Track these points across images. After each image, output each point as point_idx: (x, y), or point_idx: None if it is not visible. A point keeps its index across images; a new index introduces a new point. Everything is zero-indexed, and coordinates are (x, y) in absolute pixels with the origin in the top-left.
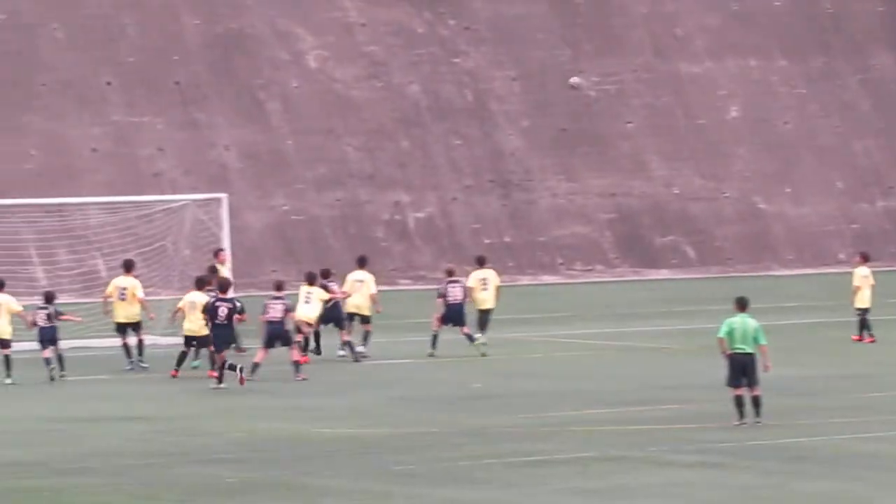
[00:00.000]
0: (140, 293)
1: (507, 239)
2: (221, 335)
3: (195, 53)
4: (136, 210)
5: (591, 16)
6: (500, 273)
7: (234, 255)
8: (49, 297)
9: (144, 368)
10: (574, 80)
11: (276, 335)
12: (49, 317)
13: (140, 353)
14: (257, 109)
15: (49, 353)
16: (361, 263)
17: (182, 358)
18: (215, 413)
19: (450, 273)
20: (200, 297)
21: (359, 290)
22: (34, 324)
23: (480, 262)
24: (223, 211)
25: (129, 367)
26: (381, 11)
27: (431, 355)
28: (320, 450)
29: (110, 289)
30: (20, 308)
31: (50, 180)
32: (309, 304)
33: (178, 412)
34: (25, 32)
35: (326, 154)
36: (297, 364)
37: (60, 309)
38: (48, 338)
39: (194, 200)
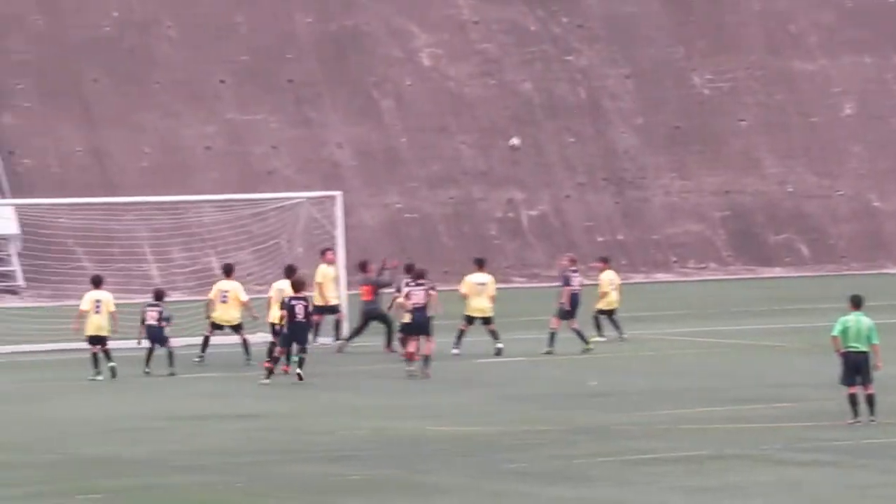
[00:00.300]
0: (243, 296)
1: (620, 237)
2: (297, 333)
3: (308, 51)
4: (250, 208)
5: (704, 13)
6: (595, 273)
7: (347, 252)
8: (159, 295)
9: (249, 365)
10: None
11: (419, 322)
12: (160, 315)
13: (247, 351)
14: (371, 107)
15: (160, 350)
16: (480, 265)
17: (273, 348)
18: (327, 411)
19: (572, 262)
20: (289, 288)
21: (480, 293)
22: (143, 322)
23: (605, 261)
24: (337, 209)
25: (196, 360)
26: (494, 9)
27: (549, 353)
28: (434, 448)
29: (213, 293)
30: (114, 308)
31: (164, 178)
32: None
33: (290, 409)
34: (139, 31)
35: (440, 152)
36: (427, 358)
37: (168, 315)
38: (157, 337)
39: (308, 198)
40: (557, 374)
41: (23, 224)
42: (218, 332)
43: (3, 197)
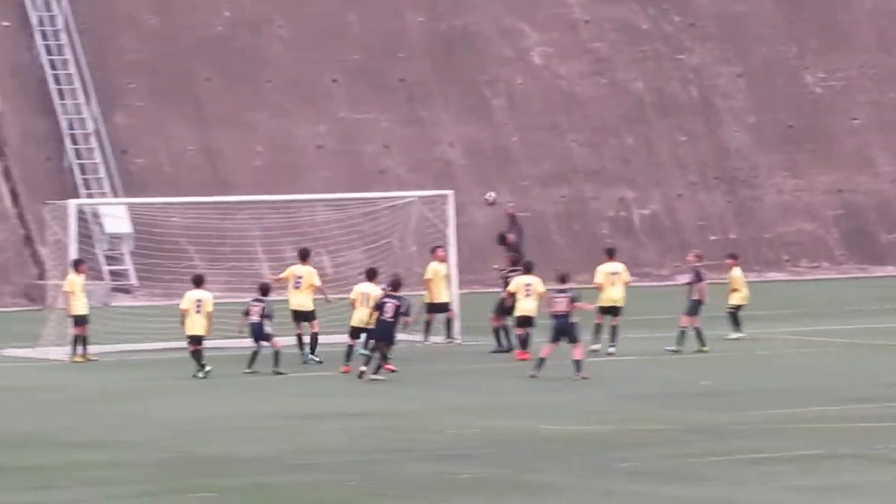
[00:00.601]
0: (316, 280)
1: (732, 236)
2: (383, 331)
3: (420, 50)
4: (362, 207)
5: (816, 11)
6: (723, 270)
7: (458, 251)
8: (264, 290)
9: (318, 364)
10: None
11: (562, 329)
12: (263, 311)
13: (312, 349)
14: (482, 106)
15: (266, 346)
16: (611, 254)
17: (350, 351)
18: (438, 410)
19: (699, 258)
20: (374, 289)
21: (614, 283)
22: (246, 314)
23: (734, 258)
24: (449, 208)
25: (303, 361)
26: (605, 8)
27: (677, 351)
28: (545, 447)
29: (286, 274)
30: (212, 308)
31: (276, 177)
32: (529, 297)
33: (401, 408)
34: (251, 30)
35: (551, 150)
36: (578, 362)
37: (269, 312)
38: (259, 334)
39: (420, 197)
40: (670, 373)
41: (135, 223)
42: (301, 322)
43: (116, 196)
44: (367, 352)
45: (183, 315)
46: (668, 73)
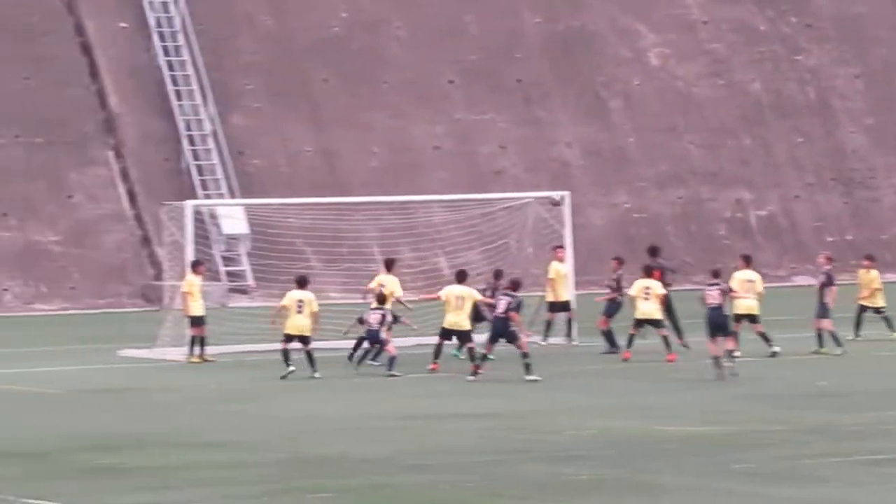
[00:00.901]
0: (398, 291)
1: (848, 237)
2: (497, 328)
3: (536, 51)
4: (479, 208)
5: None
6: (840, 272)
7: (575, 252)
8: (381, 299)
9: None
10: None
11: (717, 322)
12: (383, 317)
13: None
14: (599, 107)
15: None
16: (748, 261)
17: (438, 351)
18: (555, 410)
19: (829, 260)
20: (466, 291)
21: (748, 291)
22: (361, 322)
23: (871, 259)
24: (566, 208)
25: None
26: (723, 9)
27: (819, 352)
28: (661, 448)
29: (374, 284)
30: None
31: (393, 178)
32: (647, 300)
33: (518, 409)
34: (369, 30)
35: (668, 151)
36: (730, 353)
37: (398, 314)
38: (375, 339)
39: (537, 198)
40: (786, 373)
41: (252, 224)
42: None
43: (233, 197)
44: (458, 353)
45: (279, 312)
46: (785, 75)
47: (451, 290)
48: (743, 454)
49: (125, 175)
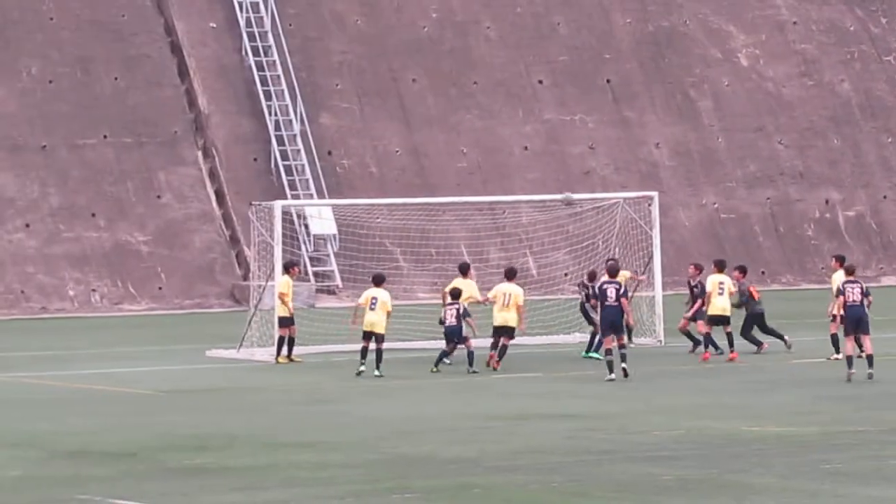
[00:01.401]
0: (477, 295)
1: None
2: (610, 317)
3: (626, 51)
4: (567, 208)
5: None
6: None
7: (663, 253)
8: (455, 294)
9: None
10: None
11: (857, 320)
12: (458, 314)
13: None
14: (688, 107)
15: (453, 348)
16: (841, 262)
17: (494, 347)
18: (643, 411)
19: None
20: (514, 288)
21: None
22: (441, 322)
23: None
24: (654, 209)
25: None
26: (812, 9)
27: None
28: (748, 448)
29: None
30: (391, 307)
31: (482, 178)
32: (722, 296)
33: (607, 409)
34: (459, 31)
35: (757, 152)
36: (870, 357)
37: (469, 310)
38: (454, 335)
39: (625, 198)
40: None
41: (340, 224)
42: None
43: (322, 197)
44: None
45: (357, 310)
46: (875, 75)
47: (501, 288)
48: (830, 455)
49: (214, 175)
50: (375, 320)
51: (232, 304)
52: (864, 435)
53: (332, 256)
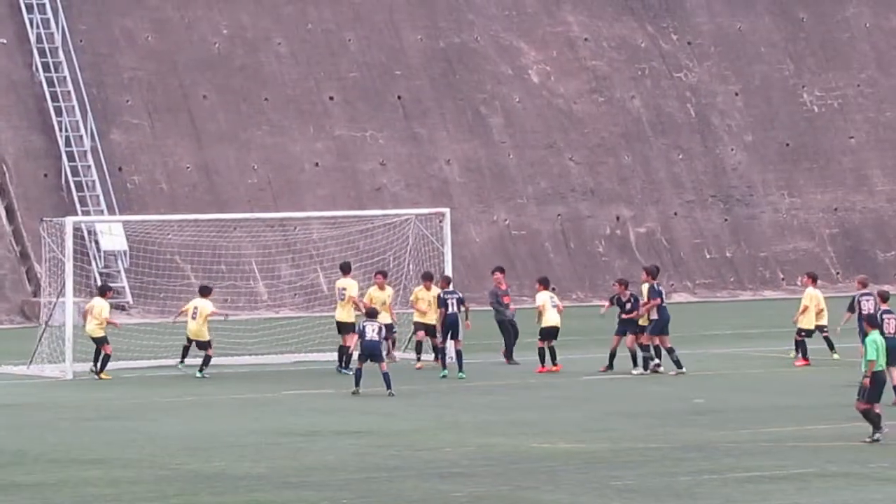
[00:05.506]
0: (354, 292)
1: (728, 254)
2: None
3: (417, 68)
4: (359, 224)
5: (813, 30)
6: (720, 289)
7: (454, 269)
8: (372, 314)
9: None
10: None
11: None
12: (380, 330)
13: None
14: (479, 124)
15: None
16: (814, 280)
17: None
18: (433, 428)
19: (863, 284)
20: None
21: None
22: (360, 335)
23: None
24: (446, 225)
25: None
26: (604, 25)
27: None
28: (540, 465)
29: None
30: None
31: (273, 194)
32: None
33: (398, 426)
34: (250, 47)
35: (548, 168)
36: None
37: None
38: (371, 352)
39: (416, 215)
40: (663, 390)
41: (131, 240)
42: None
43: (113, 213)
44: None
45: (181, 314)
46: (665, 92)
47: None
48: (620, 471)
49: (4, 191)
50: (196, 329)
51: (22, 320)
52: (654, 451)
53: (122, 273)
